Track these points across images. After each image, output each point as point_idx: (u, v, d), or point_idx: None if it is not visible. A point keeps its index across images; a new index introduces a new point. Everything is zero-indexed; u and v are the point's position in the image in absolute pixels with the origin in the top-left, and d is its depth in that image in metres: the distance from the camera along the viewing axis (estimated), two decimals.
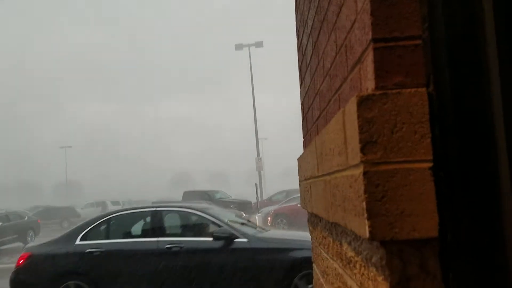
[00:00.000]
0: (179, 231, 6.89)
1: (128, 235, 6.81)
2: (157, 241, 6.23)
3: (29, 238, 17.99)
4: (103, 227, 6.81)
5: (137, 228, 6.87)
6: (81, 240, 6.56)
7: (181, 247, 6.08)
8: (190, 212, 6.78)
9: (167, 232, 6.66)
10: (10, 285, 6.54)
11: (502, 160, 0.73)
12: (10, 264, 10.15)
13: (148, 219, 6.76)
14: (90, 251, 6.34)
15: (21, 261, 6.57)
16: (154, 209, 6.91)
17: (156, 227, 6.58)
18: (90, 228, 6.72)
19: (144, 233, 6.65)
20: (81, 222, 7.41)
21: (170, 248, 6.10)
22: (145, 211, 7.07)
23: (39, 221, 19.90)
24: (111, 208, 38.23)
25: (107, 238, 6.70)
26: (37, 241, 18.07)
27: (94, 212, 37.62)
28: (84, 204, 39.87)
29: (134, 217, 7.08)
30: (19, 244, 17.25)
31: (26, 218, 18.82)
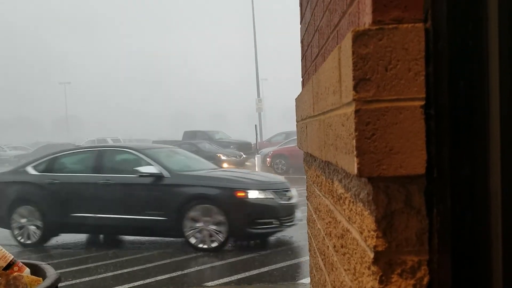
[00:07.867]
0: (113, 168, 8.08)
1: (74, 170, 8.28)
2: (96, 176, 7.72)
3: None
4: (53, 161, 8.29)
5: (81, 164, 8.37)
6: (33, 171, 8.02)
7: (113, 182, 7.51)
8: (128, 151, 8.19)
9: (104, 169, 7.93)
10: None
11: (492, 99, 0.73)
12: None
13: (91, 157, 8.22)
14: (41, 182, 7.78)
15: None
16: (97, 149, 8.78)
17: (96, 164, 7.98)
18: (42, 162, 8.28)
19: (87, 169, 8.02)
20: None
21: (105, 182, 7.55)
22: (89, 150, 9.17)
23: None
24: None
25: (56, 171, 8.09)
26: None
27: None
28: (85, 141, 40.00)
29: (79, 155, 8.73)
30: None
31: None
